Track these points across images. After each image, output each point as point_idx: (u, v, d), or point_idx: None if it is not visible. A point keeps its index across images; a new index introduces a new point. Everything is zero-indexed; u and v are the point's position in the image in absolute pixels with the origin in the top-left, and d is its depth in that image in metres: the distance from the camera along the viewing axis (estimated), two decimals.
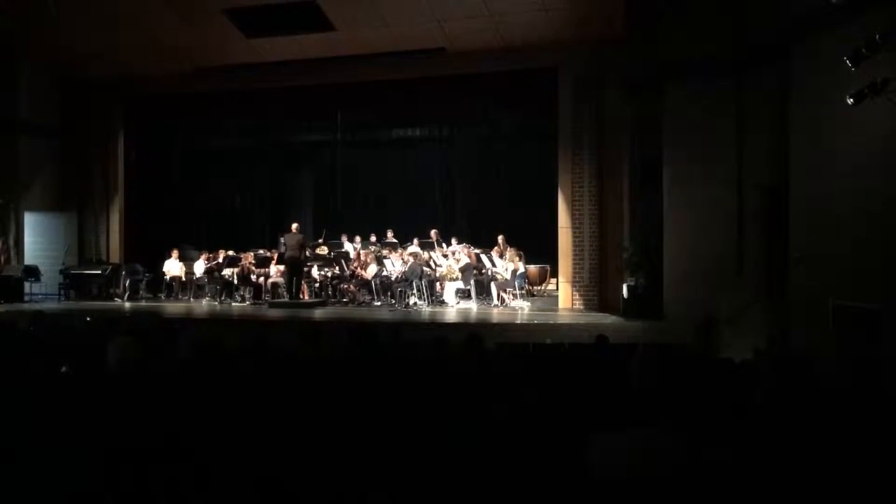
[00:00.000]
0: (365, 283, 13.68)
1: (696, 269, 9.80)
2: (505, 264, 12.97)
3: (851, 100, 6.75)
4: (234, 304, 13.87)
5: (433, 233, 14.49)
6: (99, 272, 14.79)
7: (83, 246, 15.68)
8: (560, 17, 11.90)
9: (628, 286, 10.89)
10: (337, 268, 13.85)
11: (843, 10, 7.27)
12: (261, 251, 14.56)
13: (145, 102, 15.94)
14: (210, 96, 15.40)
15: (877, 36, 6.34)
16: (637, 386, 3.33)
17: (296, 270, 13.13)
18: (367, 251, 14.19)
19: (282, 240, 13.34)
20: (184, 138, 17.51)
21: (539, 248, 14.01)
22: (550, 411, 3.59)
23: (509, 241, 13.64)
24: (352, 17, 12.45)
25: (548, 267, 14.20)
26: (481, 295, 13.22)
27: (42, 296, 14.47)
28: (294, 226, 13.41)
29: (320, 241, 14.42)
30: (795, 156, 8.32)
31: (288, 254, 13.04)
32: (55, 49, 14.18)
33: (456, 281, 13.06)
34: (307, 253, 13.72)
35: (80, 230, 15.67)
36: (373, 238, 15.13)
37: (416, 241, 14.35)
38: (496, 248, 13.53)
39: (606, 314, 11.60)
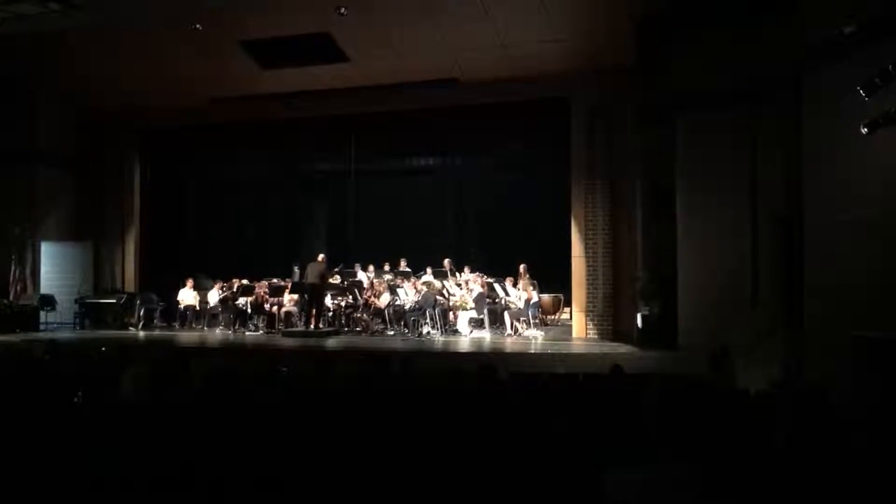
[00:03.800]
0: (378, 313, 13.67)
1: (710, 299, 9.70)
2: (518, 293, 12.92)
3: (865, 129, 6.74)
4: (247, 333, 13.88)
5: (446, 262, 14.45)
6: (114, 301, 14.92)
7: (98, 275, 15.77)
8: (571, 48, 11.98)
9: (642, 315, 10.81)
10: (350, 297, 13.86)
11: (856, 41, 7.28)
12: (275, 280, 14.56)
13: (160, 133, 16.13)
14: (224, 126, 15.57)
15: (890, 66, 6.35)
16: (652, 418, 3.30)
17: (315, 299, 13.15)
18: (380, 280, 14.16)
19: (295, 268, 13.33)
20: (198, 168, 17.63)
21: (552, 278, 13.92)
22: (565, 443, 3.55)
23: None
24: (365, 49, 12.59)
25: (561, 296, 14.11)
26: (495, 324, 13.18)
27: (57, 325, 14.54)
28: (320, 256, 13.44)
29: (336, 270, 14.44)
30: (810, 185, 8.28)
31: (309, 281, 13.09)
32: (71, 81, 14.41)
33: (469, 310, 13.01)
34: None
35: (95, 260, 15.75)
36: (386, 267, 15.09)
37: (429, 270, 14.33)
38: (519, 276, 13.40)
39: (620, 343, 11.50)
